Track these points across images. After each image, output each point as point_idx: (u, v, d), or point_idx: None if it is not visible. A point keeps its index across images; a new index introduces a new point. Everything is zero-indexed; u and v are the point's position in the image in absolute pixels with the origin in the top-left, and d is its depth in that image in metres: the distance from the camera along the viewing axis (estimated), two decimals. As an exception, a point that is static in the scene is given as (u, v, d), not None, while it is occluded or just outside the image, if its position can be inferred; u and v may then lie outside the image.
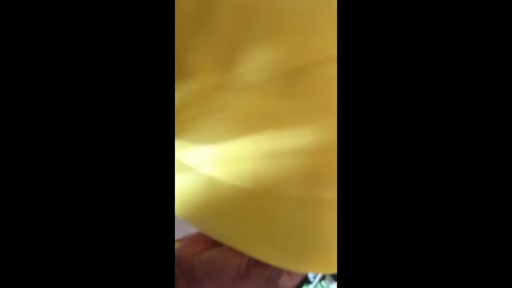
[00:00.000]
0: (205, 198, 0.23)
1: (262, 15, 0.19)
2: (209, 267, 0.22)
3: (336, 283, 0.49)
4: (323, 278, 0.51)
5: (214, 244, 0.24)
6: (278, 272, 0.23)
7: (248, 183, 0.22)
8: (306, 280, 0.52)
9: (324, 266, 0.23)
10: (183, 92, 0.20)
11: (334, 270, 0.22)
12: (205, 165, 0.23)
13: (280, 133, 0.22)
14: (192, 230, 0.34)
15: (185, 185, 0.23)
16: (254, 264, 0.22)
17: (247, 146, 0.22)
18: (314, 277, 0.51)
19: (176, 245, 0.43)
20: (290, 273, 0.24)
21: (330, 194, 0.21)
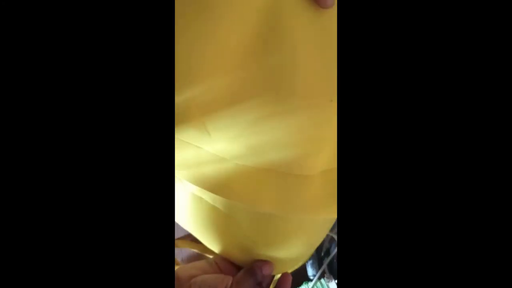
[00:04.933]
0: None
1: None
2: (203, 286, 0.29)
3: (335, 281, 0.50)
4: (322, 276, 0.51)
5: (209, 270, 0.31)
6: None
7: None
8: (306, 278, 0.53)
9: None
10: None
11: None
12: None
13: None
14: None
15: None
16: (237, 284, 0.30)
17: None
18: (314, 275, 0.51)
19: (176, 243, 0.44)
20: None
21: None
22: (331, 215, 0.29)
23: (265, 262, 0.32)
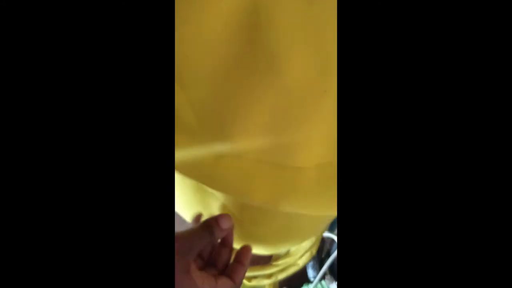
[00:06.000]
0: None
1: None
2: None
3: (336, 283, 0.49)
4: (323, 277, 0.50)
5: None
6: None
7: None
8: (306, 280, 0.52)
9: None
10: None
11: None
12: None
13: None
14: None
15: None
16: (189, 239, 0.28)
17: None
18: (314, 277, 0.51)
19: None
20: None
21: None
22: (324, 211, 0.27)
23: (221, 215, 0.29)
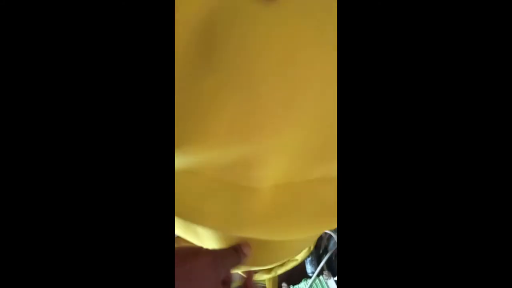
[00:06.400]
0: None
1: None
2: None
3: (335, 278, 0.50)
4: (321, 273, 0.51)
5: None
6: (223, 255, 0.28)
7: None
8: (305, 275, 0.53)
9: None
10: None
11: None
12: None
13: None
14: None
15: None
16: (222, 257, 0.28)
17: None
18: (313, 273, 0.52)
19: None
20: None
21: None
22: (282, 237, 0.25)
23: (243, 243, 0.31)
